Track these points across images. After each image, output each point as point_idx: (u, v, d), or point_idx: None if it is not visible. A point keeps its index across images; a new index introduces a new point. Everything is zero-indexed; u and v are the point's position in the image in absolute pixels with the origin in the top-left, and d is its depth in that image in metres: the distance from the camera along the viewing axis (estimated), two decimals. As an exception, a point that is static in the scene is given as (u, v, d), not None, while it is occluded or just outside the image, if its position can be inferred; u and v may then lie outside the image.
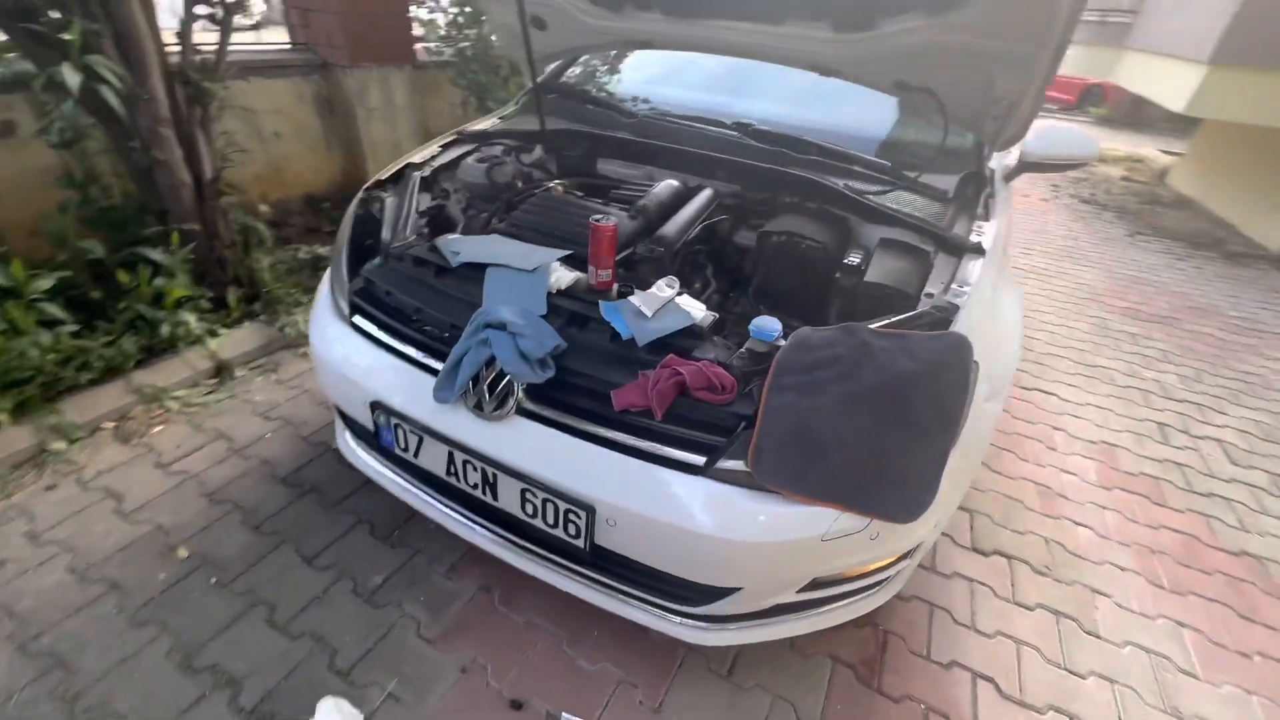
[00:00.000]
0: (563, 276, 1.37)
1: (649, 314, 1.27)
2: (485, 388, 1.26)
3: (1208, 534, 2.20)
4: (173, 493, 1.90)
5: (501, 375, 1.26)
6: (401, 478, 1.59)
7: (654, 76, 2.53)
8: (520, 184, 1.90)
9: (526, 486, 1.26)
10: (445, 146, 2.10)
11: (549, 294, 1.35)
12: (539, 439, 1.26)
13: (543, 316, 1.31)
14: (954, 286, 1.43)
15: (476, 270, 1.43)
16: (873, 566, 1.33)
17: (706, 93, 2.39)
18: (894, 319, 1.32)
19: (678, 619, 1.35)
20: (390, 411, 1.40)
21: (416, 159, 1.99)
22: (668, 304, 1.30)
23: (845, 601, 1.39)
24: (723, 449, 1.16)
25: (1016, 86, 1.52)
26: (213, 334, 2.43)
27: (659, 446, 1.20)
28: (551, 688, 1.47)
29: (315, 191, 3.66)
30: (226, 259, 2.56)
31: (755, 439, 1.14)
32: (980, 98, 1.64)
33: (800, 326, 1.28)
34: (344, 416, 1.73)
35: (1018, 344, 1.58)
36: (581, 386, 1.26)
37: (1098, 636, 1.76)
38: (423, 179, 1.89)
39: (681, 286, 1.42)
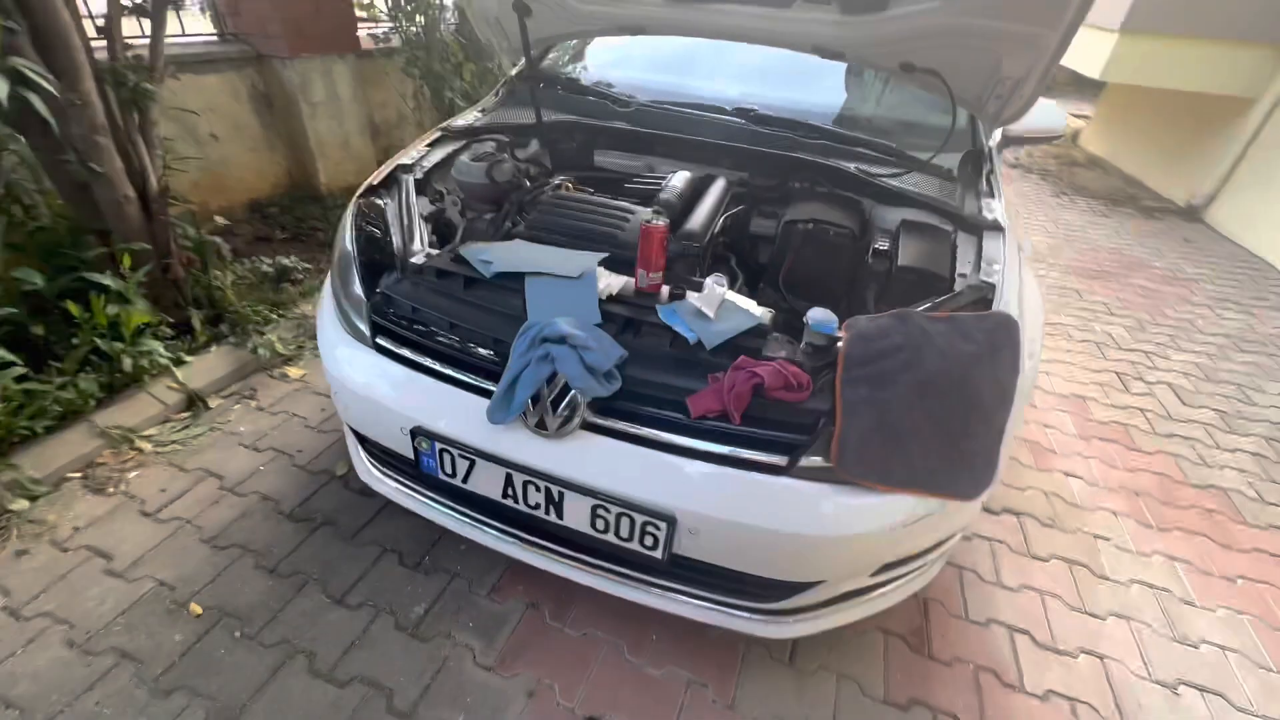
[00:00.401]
0: (612, 281, 1.32)
1: (711, 315, 1.24)
2: (548, 405, 1.20)
3: (1177, 472, 2.41)
4: (169, 543, 1.73)
5: (564, 392, 1.20)
6: (439, 502, 1.51)
7: (615, 61, 2.45)
8: (527, 182, 1.80)
9: (599, 503, 1.22)
10: (433, 145, 1.97)
11: (600, 301, 1.29)
12: (609, 453, 1.22)
13: (597, 325, 1.26)
14: (984, 265, 1.47)
15: (512, 280, 1.36)
16: (934, 542, 1.37)
17: (671, 74, 2.33)
18: (936, 301, 1.35)
19: (754, 616, 1.35)
20: (434, 437, 1.32)
21: (405, 160, 1.86)
22: (727, 303, 1.28)
23: (908, 578, 1.43)
24: (805, 447, 1.16)
25: (1024, 66, 1.57)
26: (179, 363, 2.21)
27: (738, 450, 1.18)
28: (623, 699, 1.45)
29: (260, 197, 3.38)
30: (183, 279, 2.32)
31: (838, 434, 1.14)
32: (986, 77, 1.68)
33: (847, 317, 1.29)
34: (362, 440, 1.62)
35: (1041, 316, 1.65)
36: (647, 395, 1.22)
37: (1107, 579, 1.90)
38: (416, 182, 1.77)
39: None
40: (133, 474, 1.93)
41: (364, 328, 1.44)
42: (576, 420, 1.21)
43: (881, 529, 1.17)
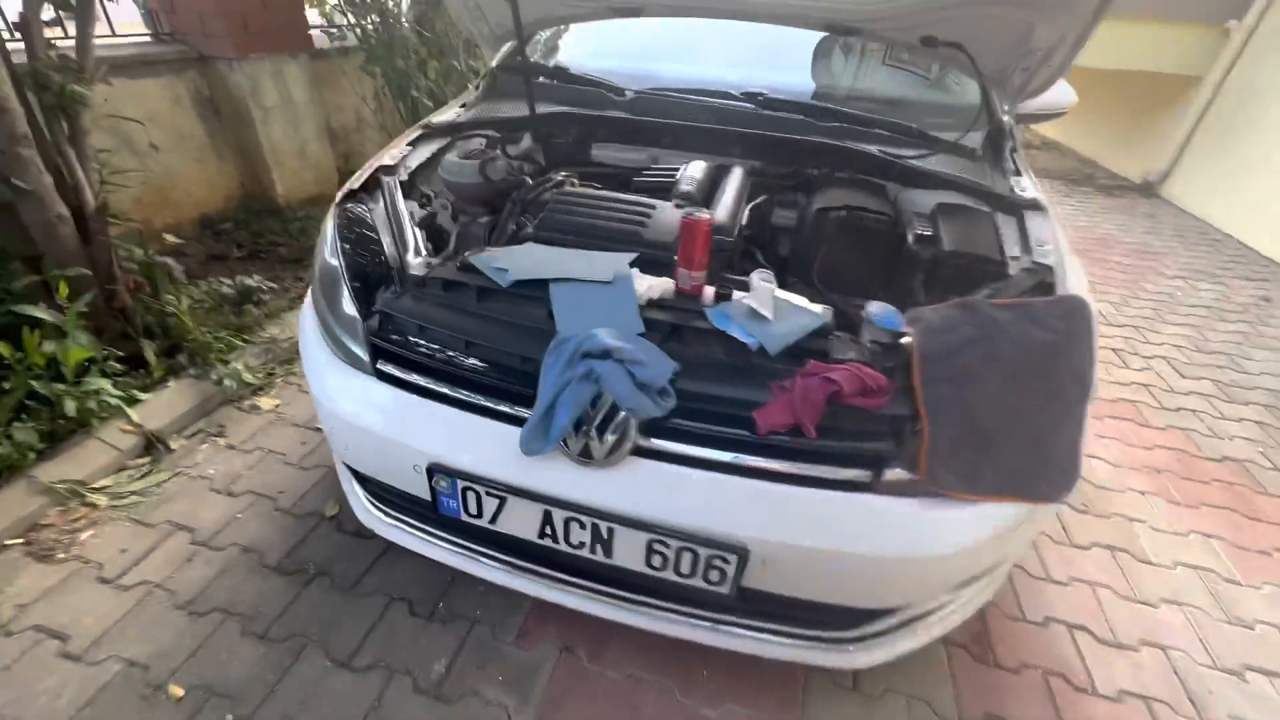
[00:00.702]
0: (653, 284, 1.16)
1: (769, 316, 1.10)
2: (594, 430, 1.05)
3: (1191, 446, 2.40)
4: (136, 614, 1.49)
5: (611, 413, 1.04)
6: (461, 545, 1.33)
7: (598, 49, 2.29)
8: (528, 180, 1.63)
9: (656, 538, 1.07)
10: (414, 143, 1.78)
11: (640, 307, 1.14)
12: (665, 480, 1.07)
13: (640, 335, 1.10)
14: (1034, 247, 1.38)
15: (532, 288, 1.19)
16: (1014, 549, 1.27)
17: (664, 61, 2.19)
18: (995, 288, 1.25)
19: (827, 646, 1.22)
20: (456, 474, 1.14)
21: (387, 160, 1.66)
22: (781, 302, 1.14)
23: (982, 589, 1.32)
24: (889, 459, 1.04)
25: (1057, 33, 1.49)
26: (132, 401, 1.95)
27: (813, 467, 1.05)
28: (682, 747, 1.31)
29: (211, 211, 3.09)
30: (131, 307, 2.06)
31: (927, 442, 1.02)
32: (1014, 48, 1.60)
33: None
34: (361, 478, 1.43)
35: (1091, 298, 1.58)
36: (704, 411, 1.08)
37: (1151, 563, 1.85)
38: (401, 184, 1.58)
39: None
40: (86, 534, 1.67)
41: (361, 352, 1.25)
42: (627, 445, 1.06)
43: (974, 544, 1.06)
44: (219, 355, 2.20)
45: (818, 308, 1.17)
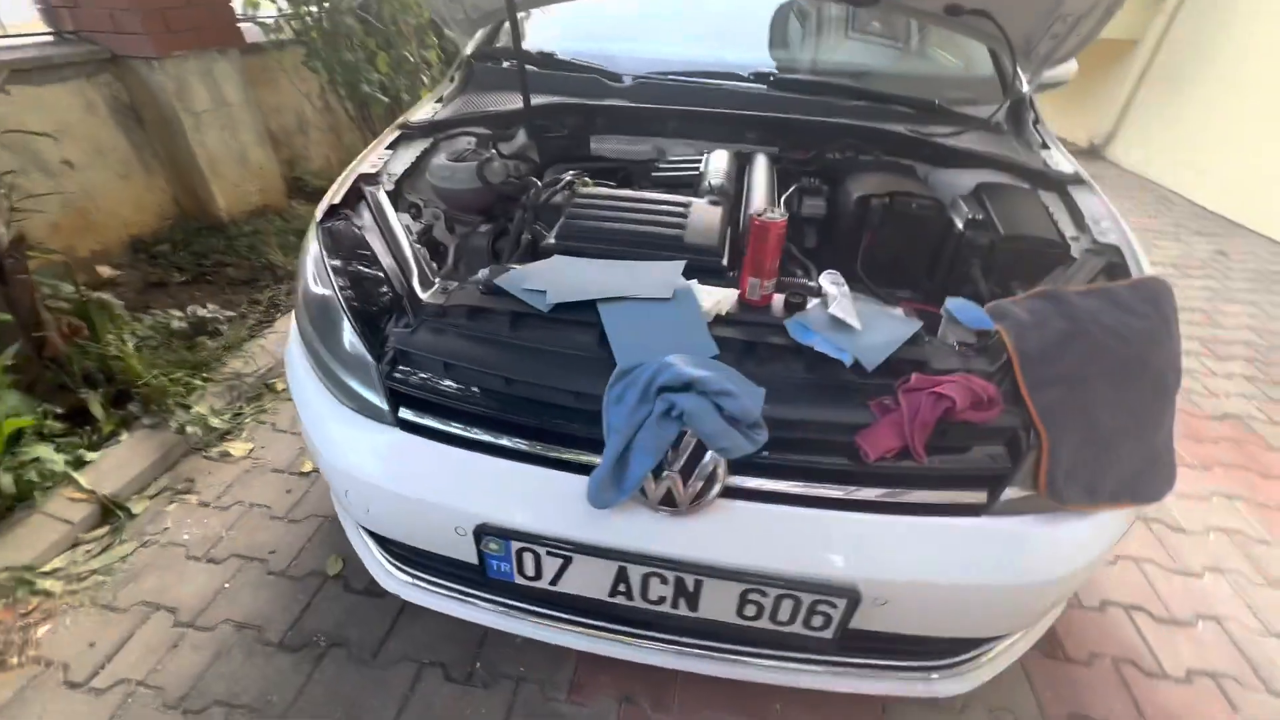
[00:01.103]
0: (719, 298, 1.02)
1: (855, 325, 0.98)
2: (677, 474, 0.90)
3: (1190, 405, 2.44)
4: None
5: (697, 454, 0.90)
6: (503, 605, 1.17)
7: (577, 32, 2.10)
8: (537, 182, 1.45)
9: (751, 587, 0.94)
10: (393, 147, 1.57)
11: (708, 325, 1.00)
12: (760, 522, 0.94)
13: (714, 359, 0.96)
14: (1089, 224, 1.31)
15: (576, 311, 1.03)
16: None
17: (656, 43, 2.04)
18: (1066, 272, 1.17)
19: (929, 675, 1.12)
20: (510, 535, 0.98)
21: (366, 168, 1.45)
22: (868, 310, 1.02)
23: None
24: (1008, 476, 0.94)
25: (1088, 2, 1.41)
26: (79, 464, 1.68)
27: (925, 493, 0.94)
28: (772, 797, 1.20)
29: (144, 233, 2.74)
30: (65, 354, 1.77)
31: (1046, 453, 0.92)
32: (1043, 15, 1.51)
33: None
34: (376, 537, 1.25)
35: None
36: (793, 440, 0.95)
37: (1184, 530, 1.85)
38: (388, 195, 1.38)
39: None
40: (43, 630, 1.42)
41: (377, 399, 1.06)
42: (715, 489, 0.92)
43: (1096, 556, 0.98)
44: (177, 399, 1.93)
45: (897, 312, 1.05)
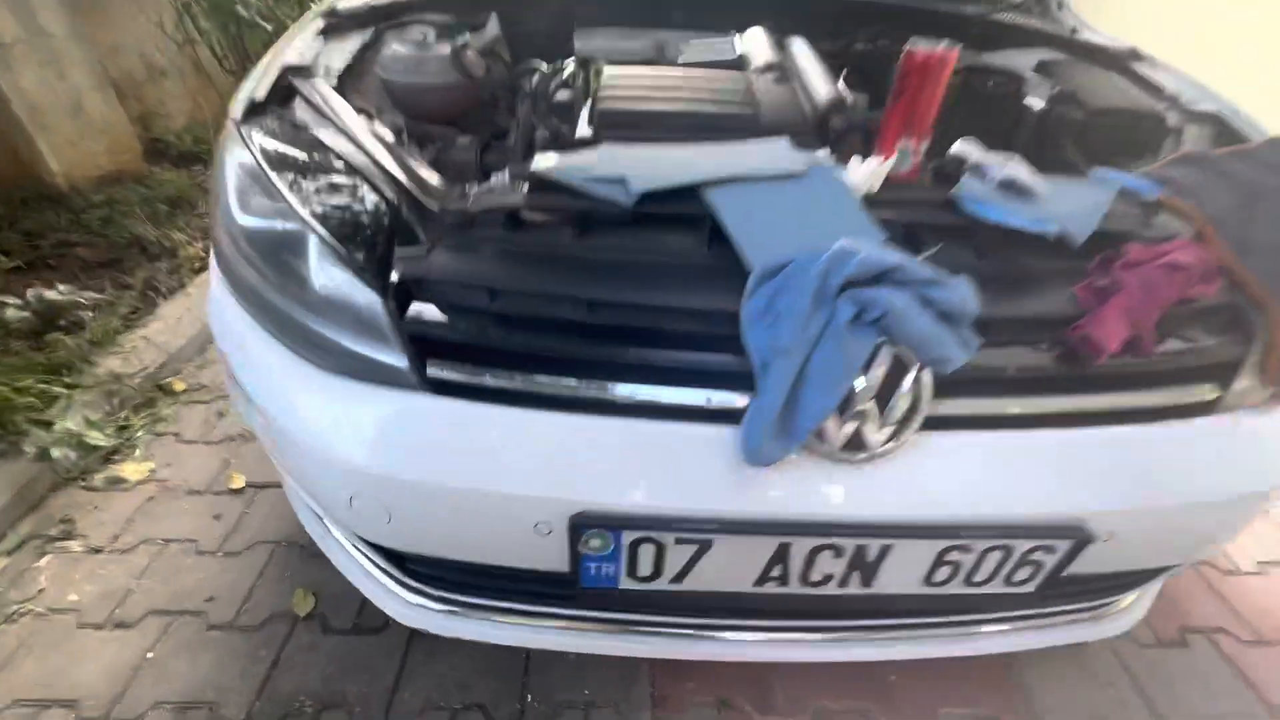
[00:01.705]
0: (875, 171, 0.76)
1: (1037, 190, 0.76)
2: (874, 402, 0.64)
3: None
4: None
5: (895, 374, 0.65)
6: (576, 619, 0.87)
7: None
8: (540, 73, 1.11)
9: (954, 544, 0.71)
10: (324, 34, 1.17)
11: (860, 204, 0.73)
12: (968, 458, 0.70)
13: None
14: (1173, 96, 1.18)
15: (671, 201, 0.72)
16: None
17: None
18: (1170, 144, 1.04)
19: (1090, 618, 0.96)
20: (623, 523, 0.68)
21: (293, 59, 1.05)
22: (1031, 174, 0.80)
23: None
24: (1241, 360, 0.76)
25: None
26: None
27: (1151, 393, 0.74)
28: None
29: (-57, 207, 2.04)
30: None
31: (1278, 331, 0.75)
32: None
33: None
34: (387, 554, 0.90)
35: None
36: (996, 342, 0.71)
37: None
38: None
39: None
40: None
41: (389, 356, 0.71)
42: (917, 419, 0.67)
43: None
44: (31, 416, 1.40)
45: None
